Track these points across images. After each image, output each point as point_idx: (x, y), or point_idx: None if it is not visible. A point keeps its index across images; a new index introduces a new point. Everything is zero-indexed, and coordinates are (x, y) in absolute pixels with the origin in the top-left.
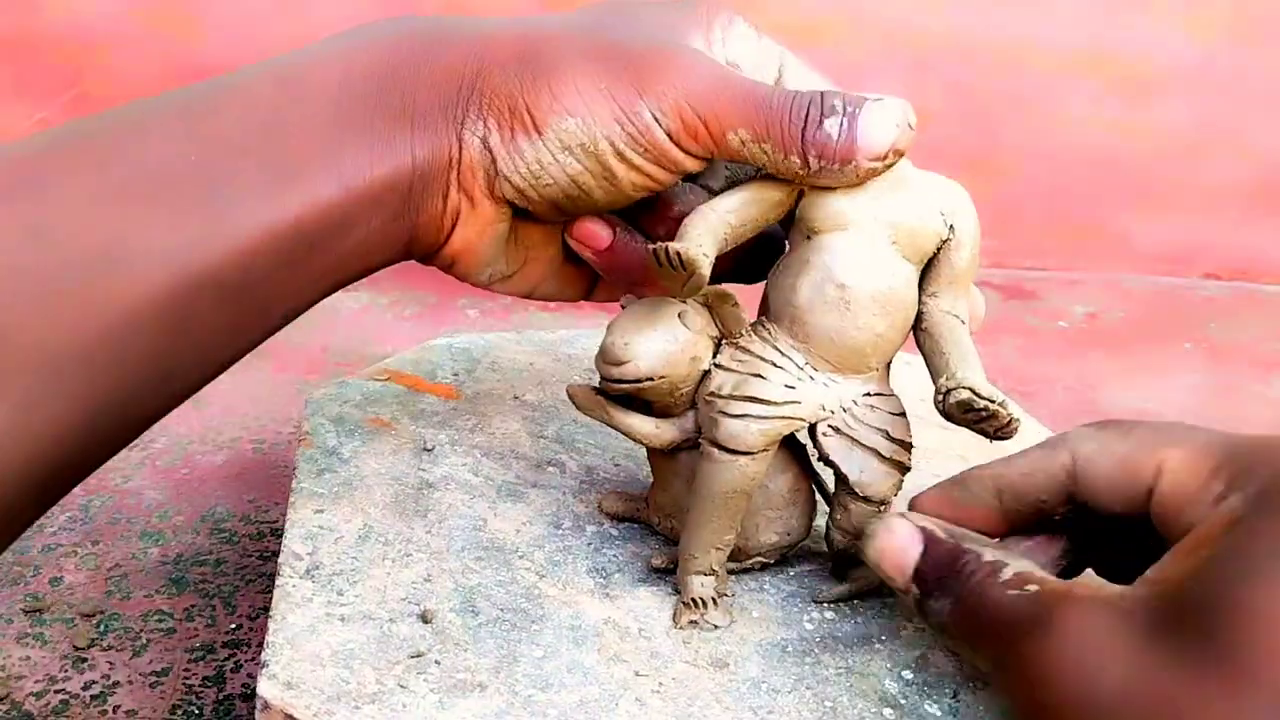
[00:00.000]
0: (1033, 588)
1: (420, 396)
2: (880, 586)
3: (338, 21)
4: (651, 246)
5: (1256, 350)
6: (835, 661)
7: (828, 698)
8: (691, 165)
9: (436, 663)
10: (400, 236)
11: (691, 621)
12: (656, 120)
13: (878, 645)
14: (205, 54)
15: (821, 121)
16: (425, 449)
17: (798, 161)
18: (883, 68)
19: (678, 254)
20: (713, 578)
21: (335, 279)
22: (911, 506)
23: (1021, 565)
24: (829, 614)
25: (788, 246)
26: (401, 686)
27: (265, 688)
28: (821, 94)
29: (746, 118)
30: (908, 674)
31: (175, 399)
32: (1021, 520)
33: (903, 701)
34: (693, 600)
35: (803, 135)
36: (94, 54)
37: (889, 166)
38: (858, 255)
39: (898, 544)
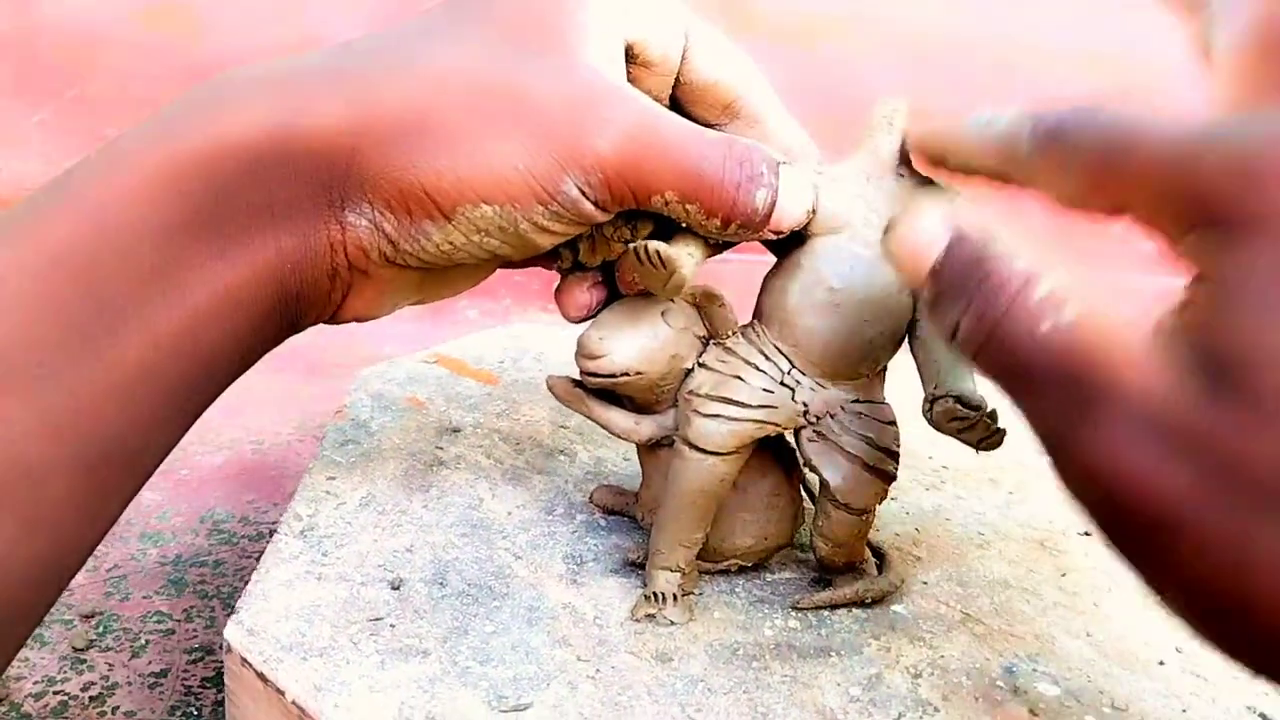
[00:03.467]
0: (1068, 315)
1: (461, 380)
2: (862, 599)
3: (337, 22)
4: (632, 244)
5: None
6: (783, 669)
7: (762, 704)
8: (607, 219)
9: (392, 627)
10: (280, 324)
11: (649, 615)
12: (583, 193)
13: (833, 658)
14: (205, 54)
15: (752, 192)
16: (451, 429)
17: (718, 224)
18: (883, 68)
19: (657, 252)
20: (678, 575)
21: (204, 399)
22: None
23: (1056, 277)
24: (793, 623)
25: (784, 250)
26: (352, 644)
27: (230, 631)
28: (749, 156)
29: (677, 181)
30: (855, 690)
31: (55, 588)
32: None
33: (841, 717)
34: (654, 594)
35: (733, 203)
36: (94, 54)
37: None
38: (849, 259)
39: (918, 238)
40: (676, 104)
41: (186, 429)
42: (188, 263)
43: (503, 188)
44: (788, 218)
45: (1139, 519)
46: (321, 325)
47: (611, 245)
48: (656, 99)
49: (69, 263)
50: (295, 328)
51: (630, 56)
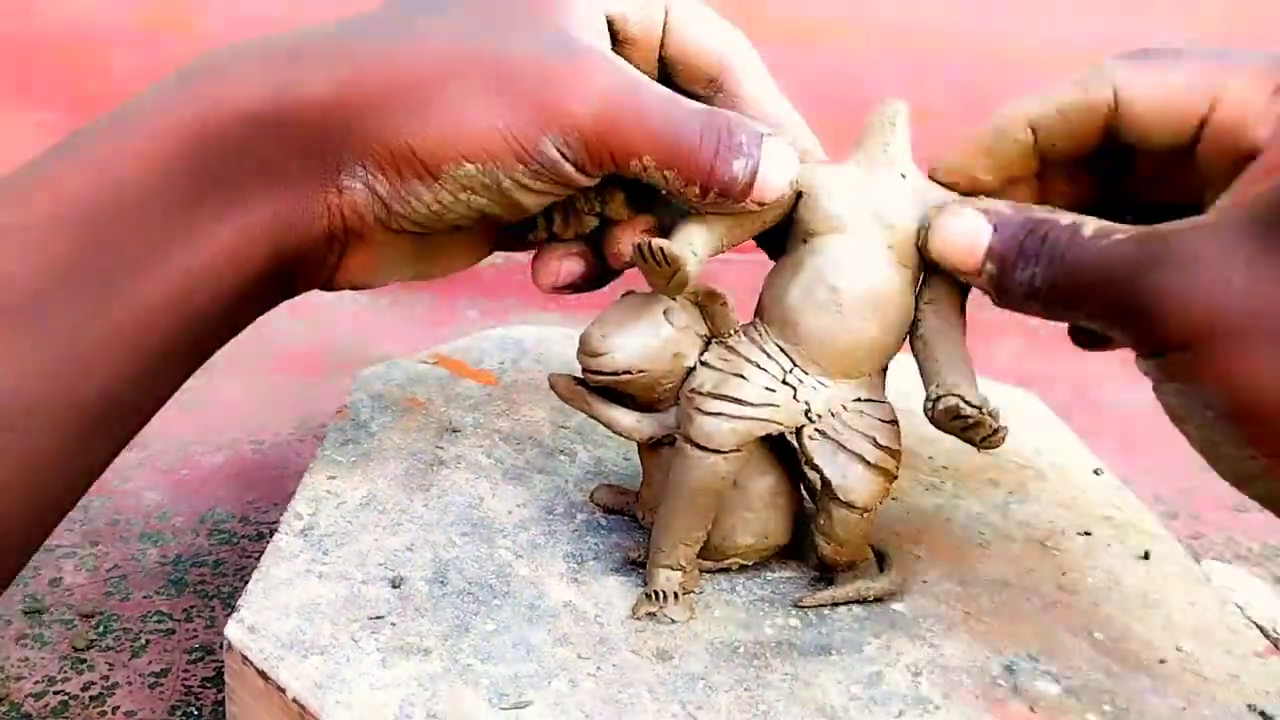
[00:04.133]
0: (1120, 235)
1: (460, 381)
2: (863, 597)
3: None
4: (635, 241)
5: None
6: (784, 667)
7: (763, 701)
8: (590, 183)
9: (392, 625)
10: (274, 286)
11: (649, 613)
12: (562, 154)
13: (834, 657)
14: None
15: (730, 161)
16: (451, 429)
17: (697, 192)
18: (883, 68)
19: (661, 249)
20: (679, 573)
21: (198, 356)
22: (940, 167)
23: (1097, 221)
24: (793, 621)
25: (785, 250)
26: (353, 642)
27: (231, 629)
28: (729, 126)
29: (654, 146)
30: (856, 689)
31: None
32: (1055, 158)
33: (842, 715)
34: (655, 593)
35: (710, 170)
36: (94, 55)
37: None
38: (851, 258)
39: (966, 228)
40: (665, 78)
41: (178, 385)
42: (187, 221)
43: (484, 146)
44: (770, 190)
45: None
46: (322, 327)
47: (584, 219)
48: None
49: (75, 217)
50: (289, 291)
51: (612, 33)
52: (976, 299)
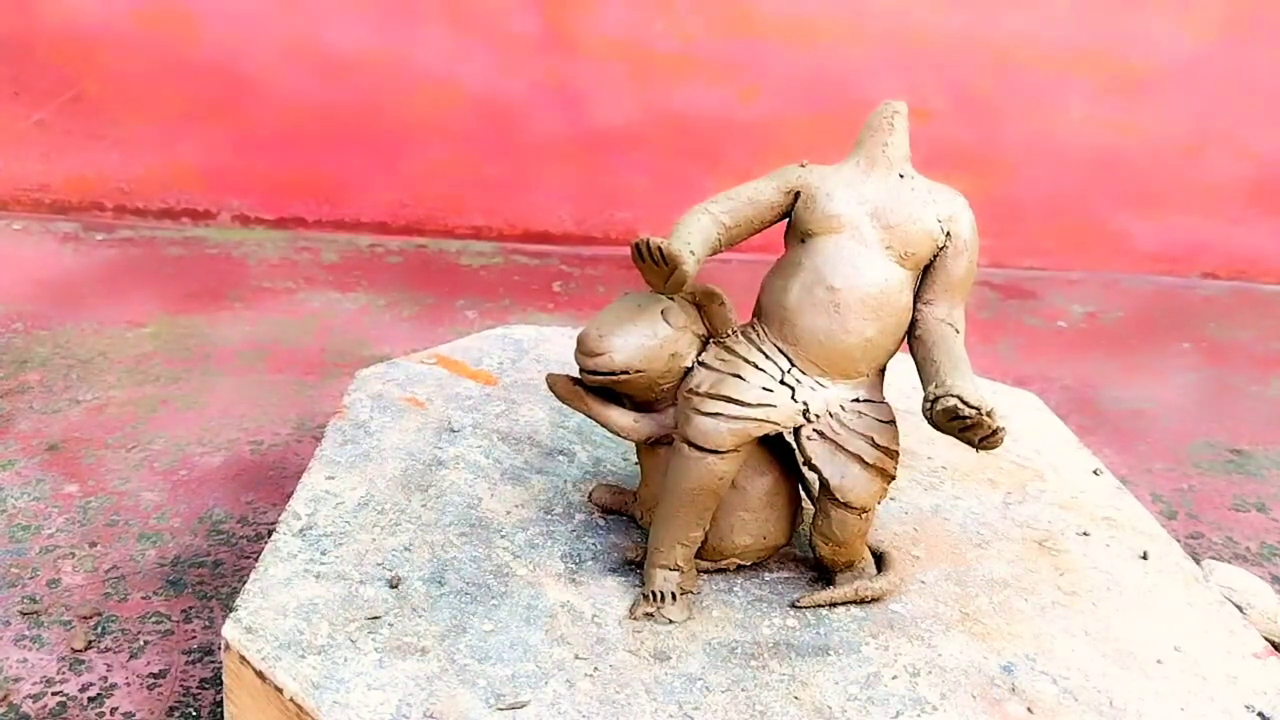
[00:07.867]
0: None
1: (460, 381)
2: (861, 598)
3: (334, 23)
4: (635, 240)
5: (1255, 350)
6: (781, 668)
7: (760, 702)
8: None
9: (390, 625)
10: None
11: (647, 614)
12: None
13: (831, 658)
14: (202, 55)
15: None
16: (450, 429)
17: None
18: (883, 68)
19: (659, 247)
20: (677, 573)
21: None
22: None
23: None
24: (791, 622)
25: (784, 249)
26: (351, 642)
27: (228, 629)
28: None
29: None
30: (854, 689)
31: None
32: None
33: (839, 715)
34: (653, 593)
35: None
36: (92, 55)
37: None
38: (849, 258)
39: None
40: None
41: None
42: None
43: None
44: None
45: None
46: (321, 327)
47: None
48: None
49: None
50: None
51: None
52: (976, 300)
